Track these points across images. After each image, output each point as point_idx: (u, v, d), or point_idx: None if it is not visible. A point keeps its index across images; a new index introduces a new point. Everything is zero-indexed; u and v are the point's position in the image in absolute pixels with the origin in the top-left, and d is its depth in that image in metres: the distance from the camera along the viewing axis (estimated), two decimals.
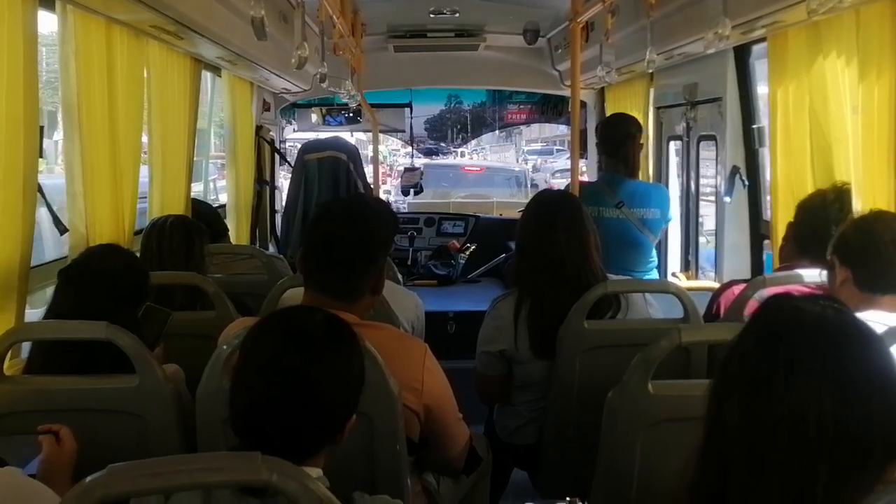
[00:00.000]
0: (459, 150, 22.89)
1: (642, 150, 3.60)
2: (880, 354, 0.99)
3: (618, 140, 3.47)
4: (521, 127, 18.32)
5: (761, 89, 3.17)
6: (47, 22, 2.09)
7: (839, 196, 2.26)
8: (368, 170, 4.88)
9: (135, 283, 2.01)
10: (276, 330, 1.34)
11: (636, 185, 3.52)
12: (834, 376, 0.96)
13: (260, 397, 1.26)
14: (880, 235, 1.80)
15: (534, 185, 11.42)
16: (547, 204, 2.51)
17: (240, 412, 1.28)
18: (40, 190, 2.07)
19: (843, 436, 0.94)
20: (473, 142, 22.81)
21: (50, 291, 2.01)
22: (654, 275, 3.57)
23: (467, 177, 11.13)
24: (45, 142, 2.15)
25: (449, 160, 18.32)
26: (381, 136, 6.92)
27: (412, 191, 6.48)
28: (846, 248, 1.86)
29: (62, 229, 2.28)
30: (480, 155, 24.92)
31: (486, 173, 11.19)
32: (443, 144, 19.65)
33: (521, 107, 8.13)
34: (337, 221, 1.82)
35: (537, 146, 22.36)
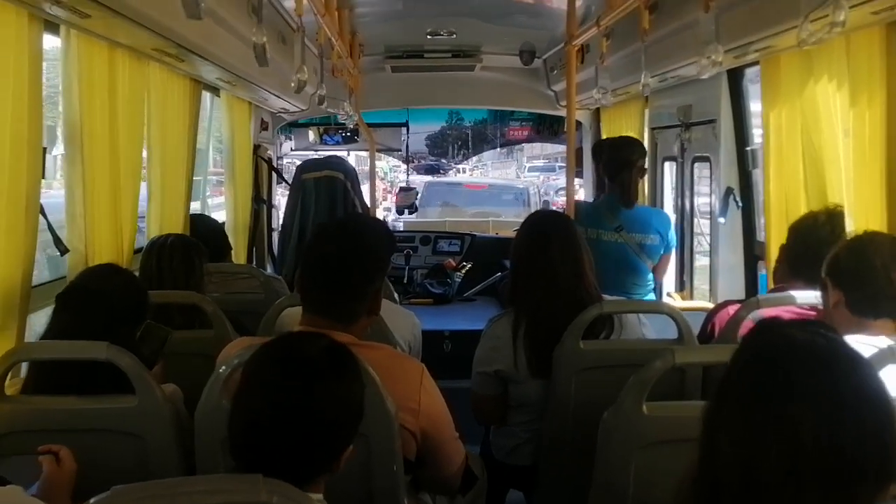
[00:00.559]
0: (460, 166, 22.95)
1: (644, 175, 3.60)
2: (871, 378, 1.01)
3: (619, 165, 3.48)
4: (523, 144, 18.38)
5: (755, 110, 3.21)
6: (47, 38, 2.11)
7: (830, 218, 2.28)
8: (366, 188, 4.90)
9: (133, 303, 2.00)
10: (278, 355, 1.35)
11: (637, 209, 3.52)
12: (827, 399, 0.96)
13: (259, 422, 1.27)
14: (872, 260, 1.80)
15: (545, 202, 11.40)
16: (541, 224, 2.53)
17: (238, 435, 1.29)
18: (42, 210, 2.09)
19: (838, 458, 0.94)
20: (474, 158, 22.87)
21: (48, 311, 2.02)
22: (652, 297, 3.58)
23: (471, 194, 10.92)
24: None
25: (452, 178, 18.28)
26: (380, 153, 6.96)
27: (406, 210, 6.50)
28: (838, 271, 1.86)
29: (63, 249, 2.29)
30: (481, 171, 24.99)
31: (490, 190, 11.17)
32: (444, 161, 19.71)
33: (524, 124, 8.18)
34: (334, 242, 1.83)
35: (539, 163, 22.39)
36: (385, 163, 18.15)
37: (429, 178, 19.26)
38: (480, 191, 11.02)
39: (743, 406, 1.00)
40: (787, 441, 0.96)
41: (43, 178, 2.05)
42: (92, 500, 0.96)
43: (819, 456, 0.95)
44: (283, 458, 1.26)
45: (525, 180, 16.84)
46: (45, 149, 2.04)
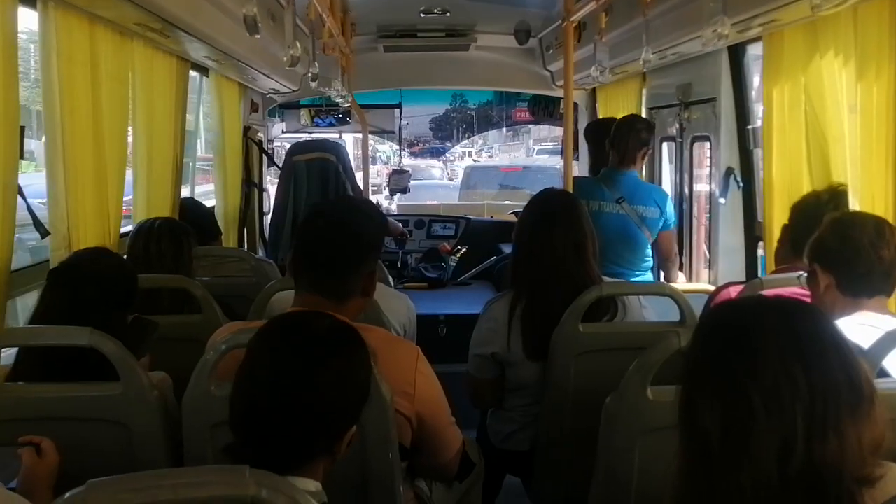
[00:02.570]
0: (465, 150, 22.72)
1: (647, 151, 3.56)
2: (824, 316, 1.10)
3: (622, 132, 3.47)
4: (530, 126, 18.23)
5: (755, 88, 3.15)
6: (23, 12, 2.03)
7: (833, 197, 2.25)
8: (359, 173, 4.84)
9: (124, 287, 1.97)
10: (284, 331, 1.33)
11: (636, 182, 3.51)
12: (790, 336, 1.03)
13: (261, 398, 1.25)
14: (859, 240, 1.79)
15: None
16: (547, 203, 2.47)
17: (240, 412, 1.26)
18: (21, 192, 2.02)
19: (811, 383, 1.00)
20: (479, 141, 22.65)
21: (29, 297, 1.96)
22: (649, 275, 3.55)
23: (507, 176, 11.83)
24: (34, 142, 2.11)
25: (490, 161, 18.42)
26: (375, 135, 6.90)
27: (400, 193, 6.45)
28: (826, 255, 1.85)
29: (43, 232, 2.22)
30: (487, 155, 24.81)
31: (525, 172, 11.74)
32: (448, 144, 19.57)
33: (527, 103, 8.13)
34: (326, 222, 1.80)
35: (549, 145, 22.22)
36: (388, 146, 18.05)
37: (431, 160, 19.19)
38: (517, 173, 11.89)
39: (718, 380, 1.04)
40: (768, 387, 1.00)
41: (21, 158, 1.98)
42: (67, 495, 0.90)
43: (797, 391, 0.99)
44: (284, 436, 1.23)
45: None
46: (22, 128, 1.96)
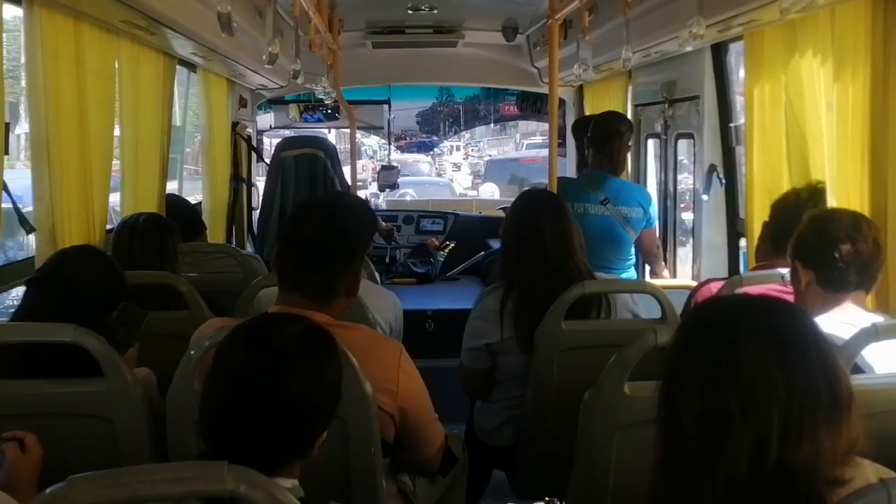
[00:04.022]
0: (451, 144, 22.45)
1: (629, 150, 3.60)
2: (808, 317, 1.10)
3: (605, 136, 3.49)
4: (517, 121, 18.11)
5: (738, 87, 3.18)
6: (8, 8, 2.02)
7: (813, 194, 2.28)
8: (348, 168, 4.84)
9: (111, 289, 1.94)
10: (250, 336, 1.31)
11: (620, 183, 3.54)
12: (771, 338, 1.03)
13: (228, 404, 1.24)
14: (836, 236, 1.81)
15: None
16: (533, 201, 2.55)
17: (208, 420, 1.26)
18: (5, 188, 2.02)
19: (790, 386, 1.00)
20: (466, 135, 22.47)
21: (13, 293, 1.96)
22: (633, 272, 3.59)
23: (527, 167, 12.49)
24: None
25: (510, 154, 18.48)
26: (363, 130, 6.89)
27: (388, 189, 6.45)
28: (805, 251, 1.88)
29: (28, 228, 2.23)
30: (476, 149, 24.60)
31: (544, 163, 11.88)
32: (435, 138, 19.38)
33: (516, 99, 8.12)
34: (312, 220, 1.80)
35: (538, 139, 22.16)
36: (374, 140, 17.77)
37: (418, 155, 18.95)
38: (536, 164, 12.34)
39: (697, 378, 1.05)
40: (744, 385, 1.01)
41: (6, 154, 1.98)
42: (47, 491, 0.91)
43: (774, 389, 1.00)
44: (253, 441, 1.23)
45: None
46: (7, 124, 1.97)
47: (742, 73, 3.05)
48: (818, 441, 0.99)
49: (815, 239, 1.86)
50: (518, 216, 2.49)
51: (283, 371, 1.26)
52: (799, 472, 0.98)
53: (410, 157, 18.12)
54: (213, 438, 1.25)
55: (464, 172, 21.64)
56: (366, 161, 17.24)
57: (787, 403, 0.99)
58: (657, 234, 3.66)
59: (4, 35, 1.94)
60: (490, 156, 20.84)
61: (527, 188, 3.03)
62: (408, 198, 9.89)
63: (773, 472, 0.98)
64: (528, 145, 21.00)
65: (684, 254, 3.84)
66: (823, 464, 0.99)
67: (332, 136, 5.62)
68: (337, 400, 1.34)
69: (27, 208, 2.27)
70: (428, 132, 18.91)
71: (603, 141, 3.49)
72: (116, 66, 2.72)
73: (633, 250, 3.56)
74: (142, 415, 1.72)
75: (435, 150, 20.35)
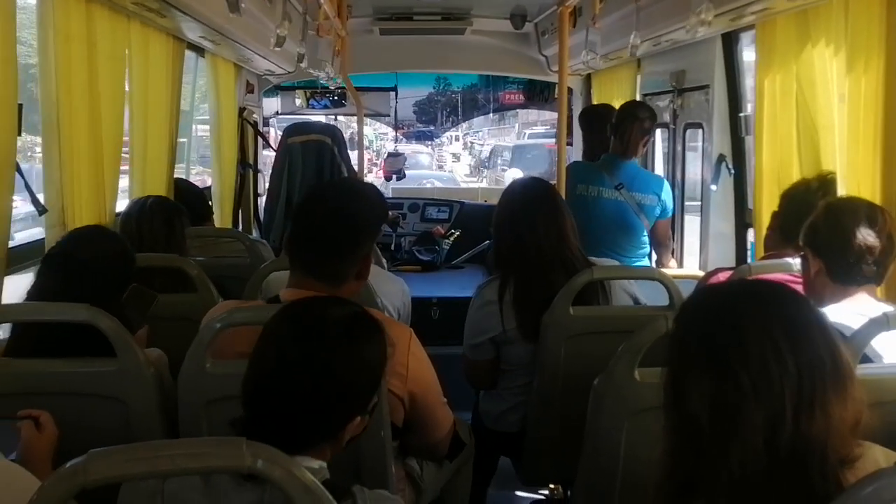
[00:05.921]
0: (451, 134, 22.13)
1: (648, 139, 3.54)
2: (804, 298, 1.13)
3: (621, 119, 3.46)
4: (517, 110, 17.89)
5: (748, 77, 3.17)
6: None
7: (823, 184, 2.26)
8: (354, 154, 4.84)
9: (122, 268, 1.96)
10: (298, 313, 1.34)
11: (636, 169, 3.50)
12: (774, 317, 1.05)
13: (270, 378, 1.26)
14: (849, 228, 1.79)
15: None
16: (522, 193, 2.52)
17: (250, 389, 1.28)
18: (19, 169, 2.03)
19: (798, 359, 1.02)
20: (465, 125, 22.28)
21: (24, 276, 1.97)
22: (646, 261, 3.56)
23: (552, 152, 12.74)
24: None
25: (535, 140, 18.34)
26: (367, 118, 6.87)
27: (395, 177, 6.44)
28: (817, 240, 1.85)
29: (41, 209, 2.24)
30: (477, 138, 24.35)
31: (569, 148, 12.06)
32: (433, 128, 19.19)
33: (519, 87, 8.02)
34: (324, 203, 1.82)
35: (540, 129, 21.94)
36: (371, 129, 17.52)
37: (418, 146, 18.69)
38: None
39: (705, 363, 1.05)
40: (755, 365, 1.02)
41: (19, 135, 1.98)
42: (68, 464, 0.92)
43: (784, 366, 1.01)
44: (289, 414, 1.24)
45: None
46: (20, 105, 1.97)
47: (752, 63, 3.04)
48: (829, 412, 1.00)
49: (827, 229, 1.83)
50: (510, 207, 2.47)
51: (328, 349, 1.28)
52: (813, 446, 1.00)
53: (409, 148, 17.81)
54: (252, 409, 1.27)
55: (463, 163, 21.42)
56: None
57: (798, 377, 1.01)
58: (670, 226, 3.63)
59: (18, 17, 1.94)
60: (426, 144, 20.31)
61: (514, 179, 3.01)
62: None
63: (787, 450, 0.99)
64: (530, 135, 20.89)
65: (691, 244, 3.83)
66: (834, 438, 1.00)
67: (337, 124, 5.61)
68: (376, 385, 1.36)
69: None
70: (425, 122, 18.72)
71: (618, 125, 3.46)
72: (126, 50, 2.72)
73: (646, 239, 3.52)
74: (154, 395, 1.73)
75: (435, 140, 20.12)
